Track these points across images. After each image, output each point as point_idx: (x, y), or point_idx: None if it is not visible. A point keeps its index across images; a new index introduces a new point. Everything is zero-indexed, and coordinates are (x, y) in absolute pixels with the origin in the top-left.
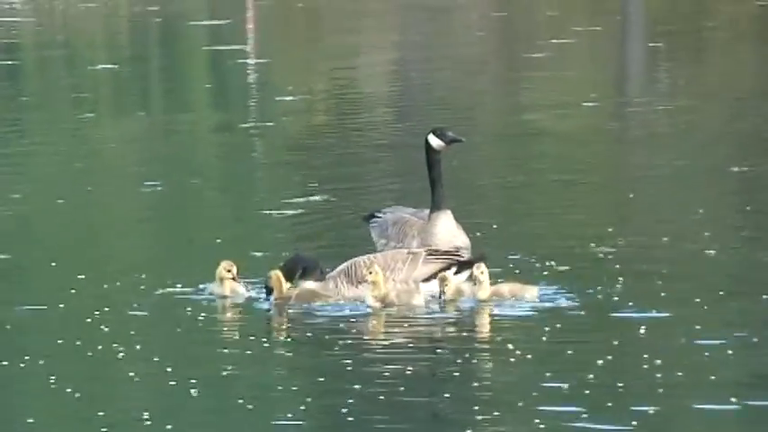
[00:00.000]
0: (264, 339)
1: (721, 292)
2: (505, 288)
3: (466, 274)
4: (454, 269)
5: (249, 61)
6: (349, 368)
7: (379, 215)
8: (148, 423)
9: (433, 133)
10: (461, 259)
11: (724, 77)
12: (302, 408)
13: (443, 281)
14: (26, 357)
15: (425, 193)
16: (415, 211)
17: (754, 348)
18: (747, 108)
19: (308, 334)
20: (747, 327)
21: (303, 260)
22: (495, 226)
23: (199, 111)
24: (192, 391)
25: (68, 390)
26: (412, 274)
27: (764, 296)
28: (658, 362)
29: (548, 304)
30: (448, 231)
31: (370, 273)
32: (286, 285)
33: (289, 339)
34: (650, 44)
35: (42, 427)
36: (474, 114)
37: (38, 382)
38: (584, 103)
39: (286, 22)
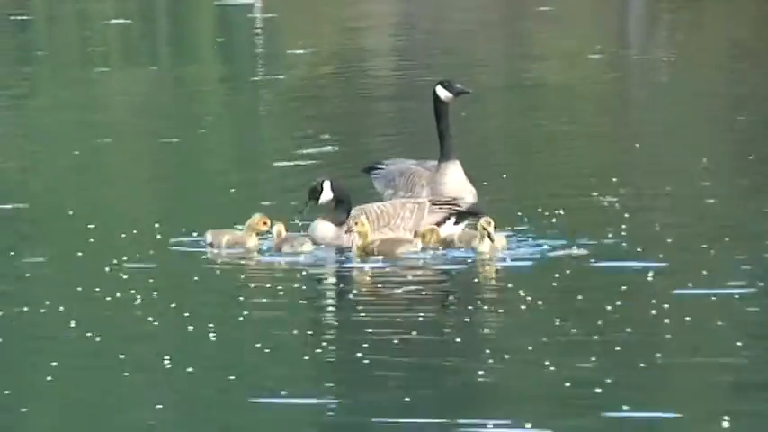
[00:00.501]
0: (281, 288)
1: (726, 239)
2: (455, 236)
3: (464, 223)
4: (454, 219)
5: (258, 16)
6: (361, 315)
7: (381, 166)
8: (168, 366)
9: (441, 85)
10: (462, 209)
11: (723, 30)
12: (317, 353)
13: (432, 232)
14: (47, 303)
15: (430, 144)
16: (417, 162)
17: (758, 297)
18: (746, 61)
19: (318, 286)
20: (750, 275)
21: (345, 194)
22: (504, 176)
23: (209, 64)
24: (210, 335)
25: (89, 334)
26: (420, 223)
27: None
28: (666, 307)
29: (554, 253)
30: (457, 181)
31: (356, 224)
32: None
33: (303, 288)
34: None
35: (65, 370)
36: (480, 66)
37: (58, 327)
38: (590, 55)
39: None
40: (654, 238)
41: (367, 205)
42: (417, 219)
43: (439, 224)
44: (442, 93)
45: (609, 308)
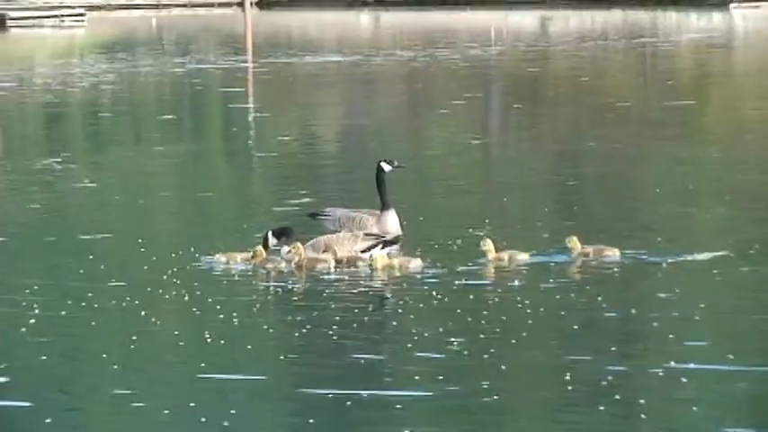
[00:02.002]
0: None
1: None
2: (395, 261)
3: (387, 249)
4: (381, 246)
5: (253, 114)
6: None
7: (325, 213)
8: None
9: (384, 161)
10: (386, 239)
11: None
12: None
13: (375, 258)
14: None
15: (360, 197)
16: (349, 210)
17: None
18: (568, 144)
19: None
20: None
21: (290, 230)
22: (420, 218)
23: (216, 143)
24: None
25: (144, 314)
26: (354, 248)
27: None
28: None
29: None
30: (395, 222)
31: (294, 247)
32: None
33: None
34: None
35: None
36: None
37: (110, 301)
38: (472, 141)
39: (279, 87)
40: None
41: (320, 237)
42: (353, 244)
43: (370, 249)
44: (386, 166)
45: (601, 300)
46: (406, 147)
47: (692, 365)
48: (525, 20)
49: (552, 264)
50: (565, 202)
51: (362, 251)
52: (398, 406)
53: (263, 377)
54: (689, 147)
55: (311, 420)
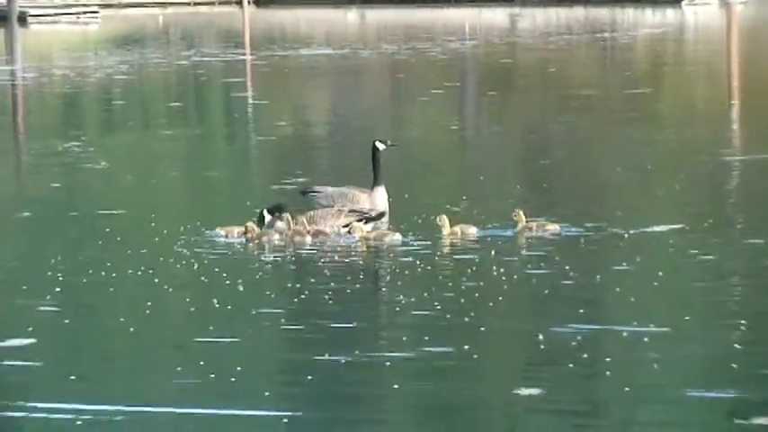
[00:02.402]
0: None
1: None
2: (372, 234)
3: (371, 224)
4: (364, 222)
5: (252, 102)
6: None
7: (316, 190)
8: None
9: (378, 141)
10: (369, 216)
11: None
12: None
13: (354, 228)
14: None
15: (349, 176)
16: (337, 188)
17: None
18: (537, 128)
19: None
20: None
21: (283, 205)
22: (406, 195)
23: (219, 127)
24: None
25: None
26: (337, 222)
27: None
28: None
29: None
30: (383, 198)
31: (281, 219)
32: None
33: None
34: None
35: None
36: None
37: (125, 270)
38: (451, 126)
39: (275, 78)
40: None
41: (309, 212)
42: (336, 219)
43: (351, 223)
44: (380, 145)
45: (572, 275)
46: (391, 131)
47: (652, 328)
48: (496, 16)
49: (501, 237)
50: (534, 180)
51: (345, 226)
52: (387, 364)
53: (257, 340)
54: (646, 130)
55: (304, 379)
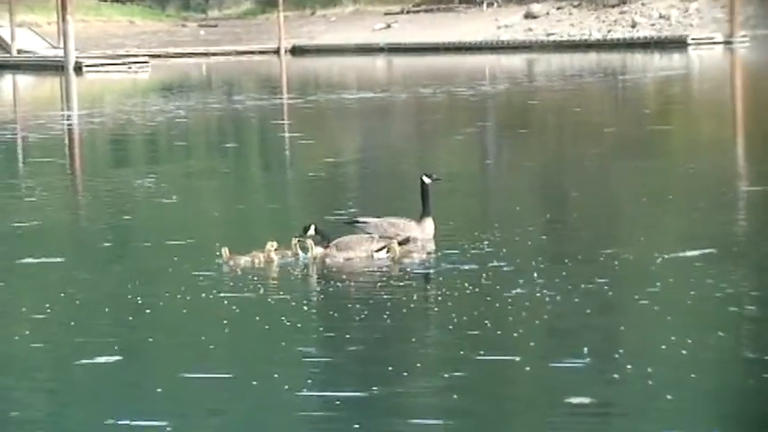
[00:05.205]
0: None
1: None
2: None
3: (402, 248)
4: (396, 244)
5: (299, 141)
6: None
7: (362, 221)
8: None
9: (425, 175)
10: (398, 240)
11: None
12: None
13: (389, 250)
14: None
15: (397, 207)
16: (385, 218)
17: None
18: (569, 162)
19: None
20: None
21: (328, 235)
22: (451, 223)
23: (272, 165)
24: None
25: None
26: (371, 248)
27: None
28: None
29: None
30: (431, 228)
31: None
32: (311, 233)
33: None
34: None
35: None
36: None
37: (179, 289)
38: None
39: (316, 119)
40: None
41: (343, 237)
42: (369, 245)
43: (383, 248)
44: (426, 179)
45: (549, 305)
46: (432, 166)
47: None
48: (514, 62)
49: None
50: (562, 209)
51: (377, 250)
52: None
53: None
54: (664, 163)
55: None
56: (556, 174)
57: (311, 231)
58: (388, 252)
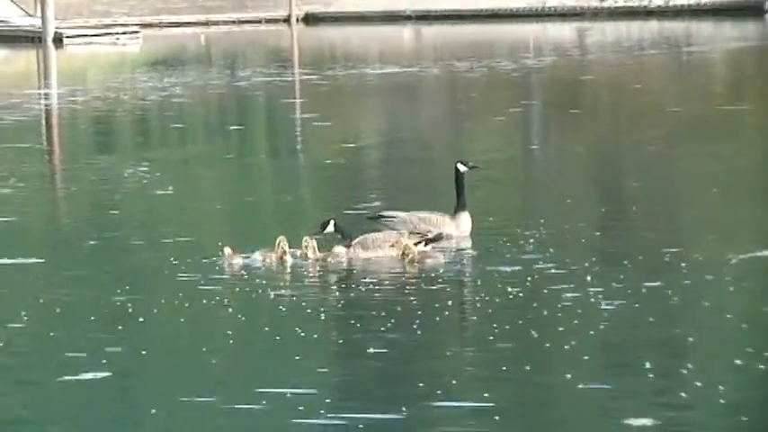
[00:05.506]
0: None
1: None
2: (414, 252)
3: (431, 245)
4: (424, 243)
5: (313, 123)
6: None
7: (388, 215)
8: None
9: (460, 162)
10: (429, 237)
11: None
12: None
13: (406, 250)
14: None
15: (427, 199)
16: (414, 213)
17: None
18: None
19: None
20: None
21: (349, 232)
22: (491, 218)
23: (282, 151)
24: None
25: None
26: (408, 243)
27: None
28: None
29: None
30: (468, 223)
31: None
32: (330, 230)
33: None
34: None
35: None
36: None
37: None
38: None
39: (335, 97)
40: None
41: (367, 234)
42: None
43: (415, 245)
44: (461, 167)
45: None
46: (468, 152)
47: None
48: (563, 31)
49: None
50: (620, 201)
51: (415, 244)
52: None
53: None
54: (742, 148)
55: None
56: (612, 161)
57: (330, 228)
58: (424, 245)
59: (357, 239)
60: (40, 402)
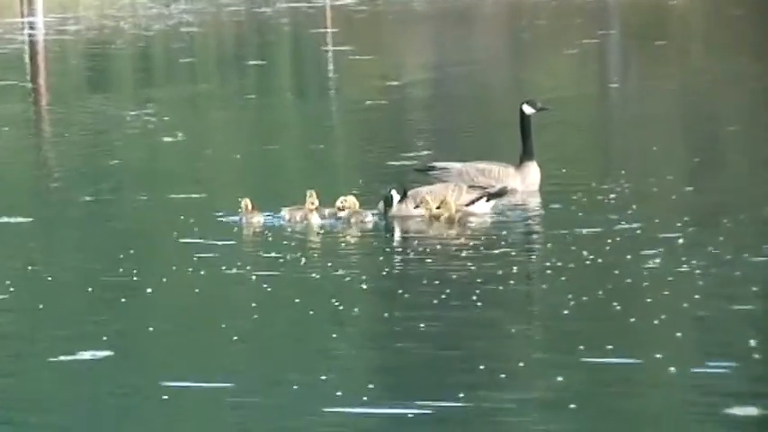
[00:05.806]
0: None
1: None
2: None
3: (493, 201)
4: (485, 198)
5: (351, 57)
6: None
7: (441, 167)
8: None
9: (527, 103)
10: (491, 192)
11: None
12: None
13: (443, 205)
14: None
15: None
16: (471, 163)
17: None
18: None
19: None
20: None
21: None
22: (563, 170)
23: (315, 91)
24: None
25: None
26: (459, 201)
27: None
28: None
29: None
30: (536, 175)
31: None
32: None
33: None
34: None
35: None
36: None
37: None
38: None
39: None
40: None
41: (422, 188)
42: (458, 197)
43: (474, 201)
44: (528, 109)
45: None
46: (537, 90)
47: None
48: None
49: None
50: (718, 150)
51: (467, 204)
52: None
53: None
54: None
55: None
56: (706, 100)
57: (396, 200)
58: (474, 205)
59: (410, 192)
60: (31, 386)
